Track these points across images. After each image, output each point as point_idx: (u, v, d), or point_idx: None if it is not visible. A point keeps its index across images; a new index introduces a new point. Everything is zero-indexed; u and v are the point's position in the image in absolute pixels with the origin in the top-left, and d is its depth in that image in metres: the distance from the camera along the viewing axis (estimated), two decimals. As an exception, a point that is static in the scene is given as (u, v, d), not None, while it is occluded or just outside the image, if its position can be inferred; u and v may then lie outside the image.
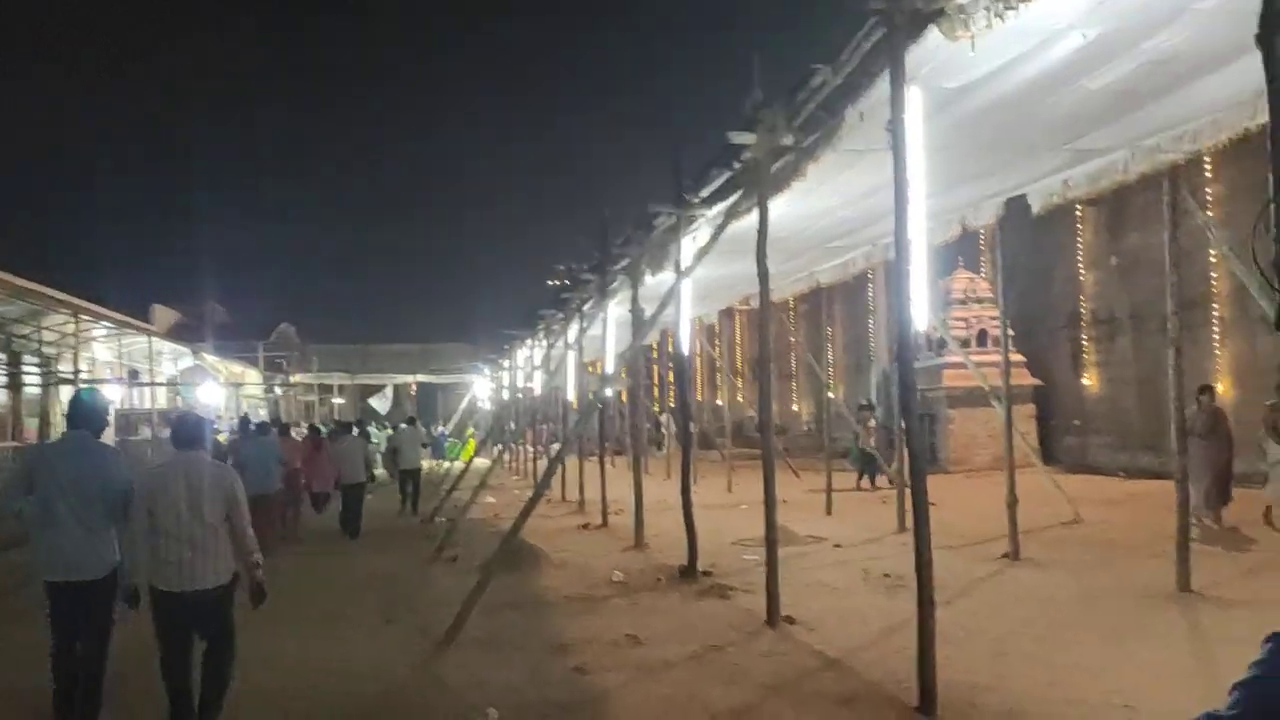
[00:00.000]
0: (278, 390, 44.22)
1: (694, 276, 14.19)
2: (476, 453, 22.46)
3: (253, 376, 39.86)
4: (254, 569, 5.59)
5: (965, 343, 22.75)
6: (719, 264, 13.00)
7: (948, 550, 11.64)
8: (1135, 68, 6.37)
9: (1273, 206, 3.02)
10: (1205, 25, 5.85)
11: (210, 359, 33.95)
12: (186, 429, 5.74)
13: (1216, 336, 17.77)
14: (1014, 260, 23.98)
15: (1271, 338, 16.90)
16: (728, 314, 33.29)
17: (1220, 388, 17.79)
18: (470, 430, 39.73)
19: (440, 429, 42.15)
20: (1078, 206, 20.48)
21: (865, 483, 19.24)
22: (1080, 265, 21.55)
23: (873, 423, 19.83)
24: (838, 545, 12.06)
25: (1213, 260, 17.75)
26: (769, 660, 6.86)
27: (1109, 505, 15.45)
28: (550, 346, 20.42)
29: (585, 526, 15.13)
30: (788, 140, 7.80)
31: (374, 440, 26.11)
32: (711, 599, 9.14)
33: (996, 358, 22.77)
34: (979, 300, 23.15)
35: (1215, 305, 17.78)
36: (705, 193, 9.77)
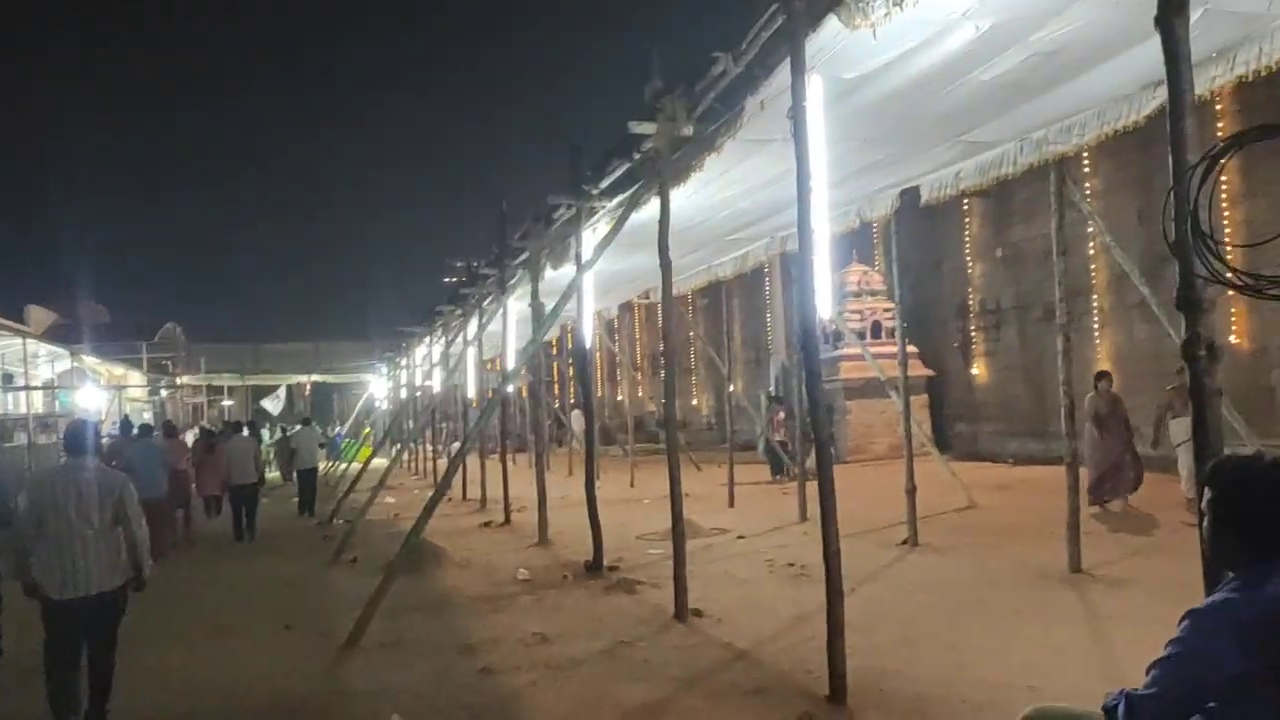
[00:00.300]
0: (163, 392, 42.63)
1: (594, 270, 14.15)
2: (374, 453, 21.94)
3: (136, 378, 38.33)
4: (142, 571, 5.67)
5: (860, 335, 23.17)
6: (619, 257, 12.94)
7: (850, 538, 11.70)
8: (1024, 59, 6.50)
9: (1172, 190, 3.07)
10: (1093, 17, 6.01)
11: (90, 361, 32.52)
12: (76, 436, 5.78)
13: (1097, 325, 18.42)
14: (906, 253, 24.74)
15: (1148, 325, 17.60)
16: (627, 308, 33.32)
17: (1101, 374, 18.49)
18: (366, 430, 38.96)
19: (337, 429, 41.25)
20: (965, 200, 21.03)
21: (780, 476, 19.29)
22: (968, 257, 22.13)
23: (782, 415, 19.75)
24: (741, 537, 12.12)
25: (1092, 252, 18.41)
26: (679, 654, 6.82)
27: (1000, 491, 15.88)
28: (449, 343, 20.10)
29: (488, 525, 14.93)
30: (688, 130, 7.77)
31: (264, 442, 25.43)
32: (618, 594, 9.08)
33: (890, 349, 23.30)
34: (873, 293, 23.60)
35: (1095, 295, 18.43)
36: (605, 184, 9.70)
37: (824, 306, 5.79)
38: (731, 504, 15.64)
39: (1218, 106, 15.33)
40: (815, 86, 5.84)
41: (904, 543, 10.85)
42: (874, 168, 9.18)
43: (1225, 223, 15.79)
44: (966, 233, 22.12)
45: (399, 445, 21.79)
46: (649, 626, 7.70)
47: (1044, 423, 20.01)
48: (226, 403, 47.72)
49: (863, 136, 8.09)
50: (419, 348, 28.15)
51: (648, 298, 20.51)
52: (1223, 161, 2.81)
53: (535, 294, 12.44)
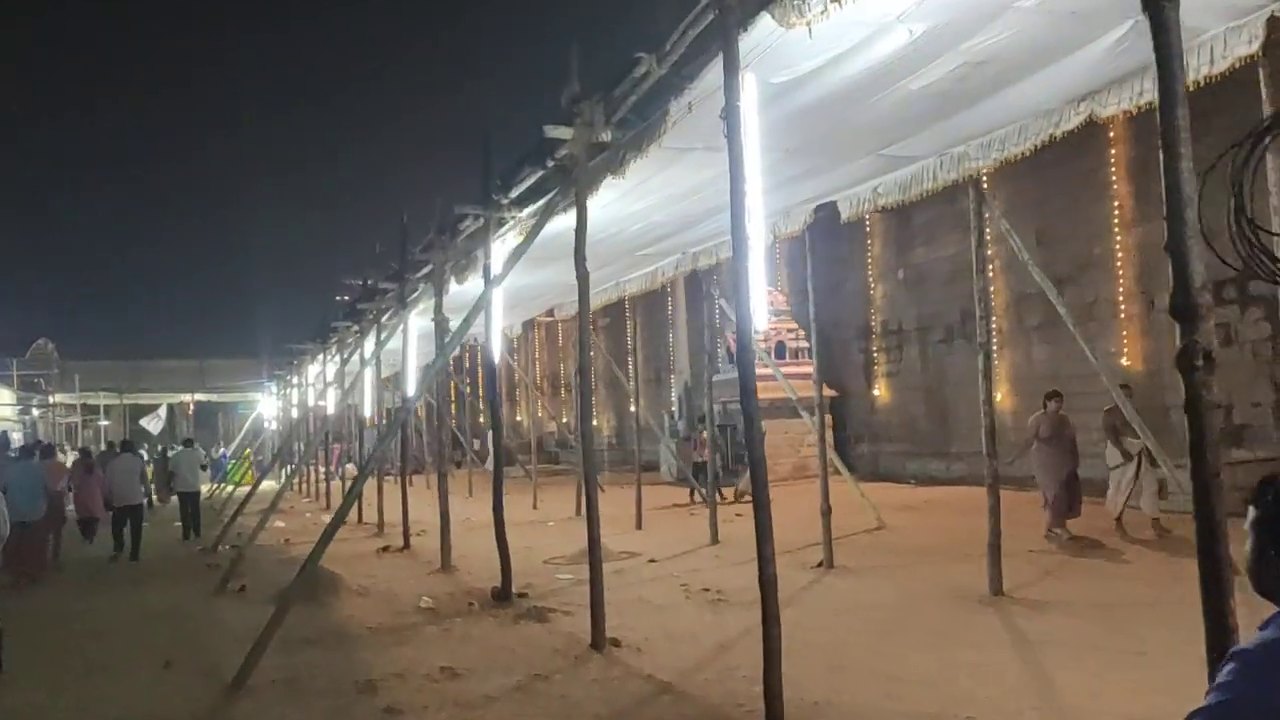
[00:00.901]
0: (35, 412, 40.42)
1: (501, 285, 13.77)
2: (261, 476, 20.95)
3: (5, 396, 36.23)
4: None
5: (764, 354, 23.19)
6: (525, 272, 12.53)
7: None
8: (954, 69, 6.37)
9: (1164, 194, 2.85)
10: (1024, 26, 5.89)
11: (-47, 378, 30.56)
12: None
13: (996, 346, 18.67)
14: (810, 273, 24.87)
15: (1047, 346, 17.96)
16: (529, 326, 32.80)
17: (998, 395, 18.77)
18: (246, 450, 37.49)
19: (222, 450, 39.62)
20: (867, 220, 21.23)
21: (698, 496, 18.91)
22: (870, 278, 22.32)
23: (705, 434, 19.22)
24: (653, 560, 11.78)
25: (991, 274, 18.71)
26: (600, 687, 6.41)
27: (907, 511, 15.88)
28: (345, 361, 19.33)
29: (386, 550, 14.28)
30: (606, 136, 7.44)
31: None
32: (529, 623, 8.62)
33: (795, 369, 23.43)
34: (776, 313, 23.57)
35: (994, 317, 18.70)
36: (516, 193, 9.30)
37: (759, 318, 5.48)
38: (639, 526, 15.31)
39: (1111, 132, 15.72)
40: (749, 86, 5.57)
41: (819, 565, 10.65)
42: (794, 180, 8.99)
43: (1117, 247, 16.19)
44: (869, 254, 22.32)
45: (290, 467, 20.76)
46: (565, 658, 7.28)
47: (945, 443, 20.25)
48: (103, 423, 45.47)
49: (786, 146, 7.87)
50: (311, 366, 27.13)
51: (552, 315, 20.09)
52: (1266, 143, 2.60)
53: (439, 309, 11.94)
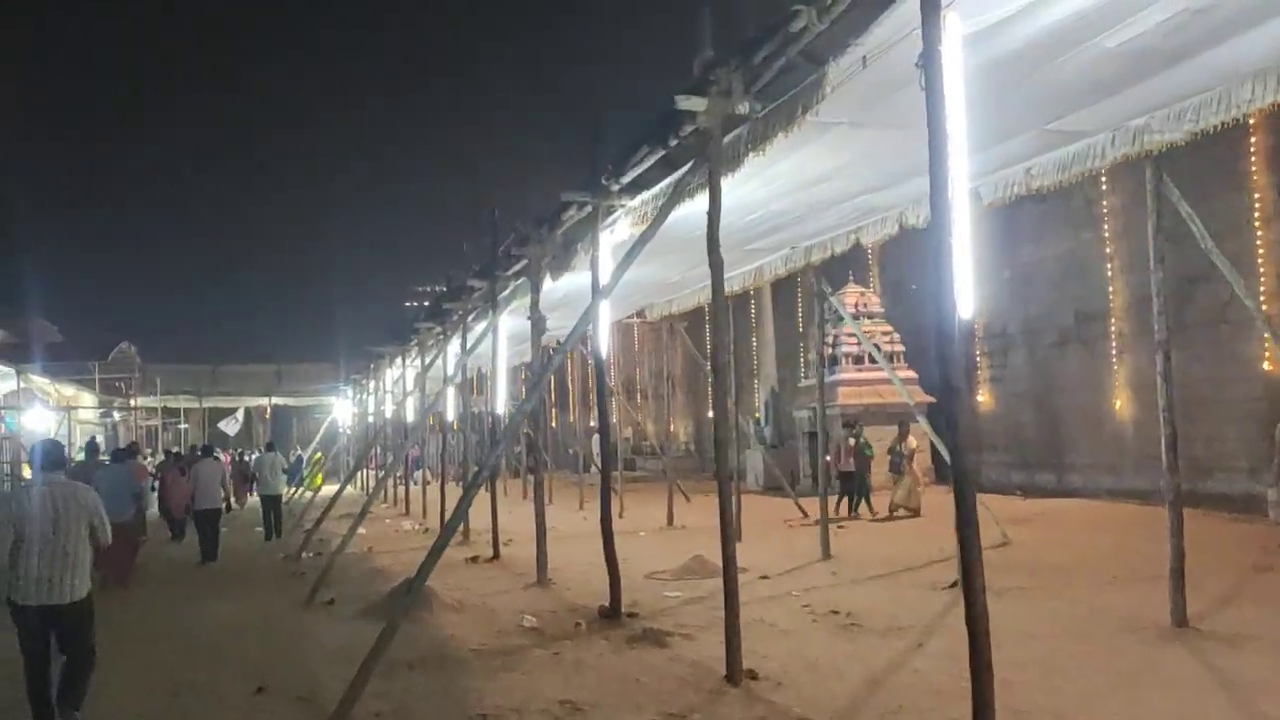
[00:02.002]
0: (116, 415, 40.77)
1: (580, 286, 12.89)
2: (345, 482, 20.56)
3: (87, 399, 36.53)
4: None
5: (858, 360, 22.20)
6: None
7: (886, 579, 10.70)
8: (1170, 17, 5.45)
9: None
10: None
11: (38, 380, 30.75)
12: (49, 453, 6.20)
13: (1115, 351, 17.50)
14: (902, 273, 23.84)
15: (1177, 351, 16.72)
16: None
17: (1118, 404, 17.58)
18: (317, 455, 37.31)
19: (298, 454, 39.54)
20: (968, 218, 20.15)
21: (844, 508, 17.40)
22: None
23: (853, 442, 17.80)
24: (765, 577, 10.94)
25: (1110, 273, 17.54)
26: (750, 731, 5.61)
27: (1022, 525, 14.82)
28: (428, 364, 18.75)
29: (474, 560, 13.62)
30: (743, 107, 6.63)
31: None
32: (646, 647, 7.83)
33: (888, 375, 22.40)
34: (870, 315, 22.58)
35: (1114, 319, 17.52)
36: (631, 176, 8.54)
37: (965, 303, 4.62)
38: (740, 537, 14.42)
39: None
40: (953, 27, 4.72)
41: (953, 585, 9.69)
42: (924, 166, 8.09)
43: (1259, 244, 14.95)
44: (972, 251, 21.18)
45: (378, 473, 20.19)
46: (697, 692, 6.48)
47: (1057, 453, 19.09)
48: (183, 426, 45.82)
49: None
50: (390, 370, 26.75)
51: (641, 316, 19.33)
52: None
53: (535, 306, 11.26)
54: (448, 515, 17.97)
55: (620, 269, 7.34)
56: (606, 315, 9.27)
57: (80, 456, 16.84)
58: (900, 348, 22.27)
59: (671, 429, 36.48)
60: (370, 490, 26.44)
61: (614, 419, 32.42)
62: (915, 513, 16.61)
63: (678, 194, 7.19)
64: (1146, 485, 17.13)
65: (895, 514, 16.77)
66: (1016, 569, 10.66)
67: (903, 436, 16.97)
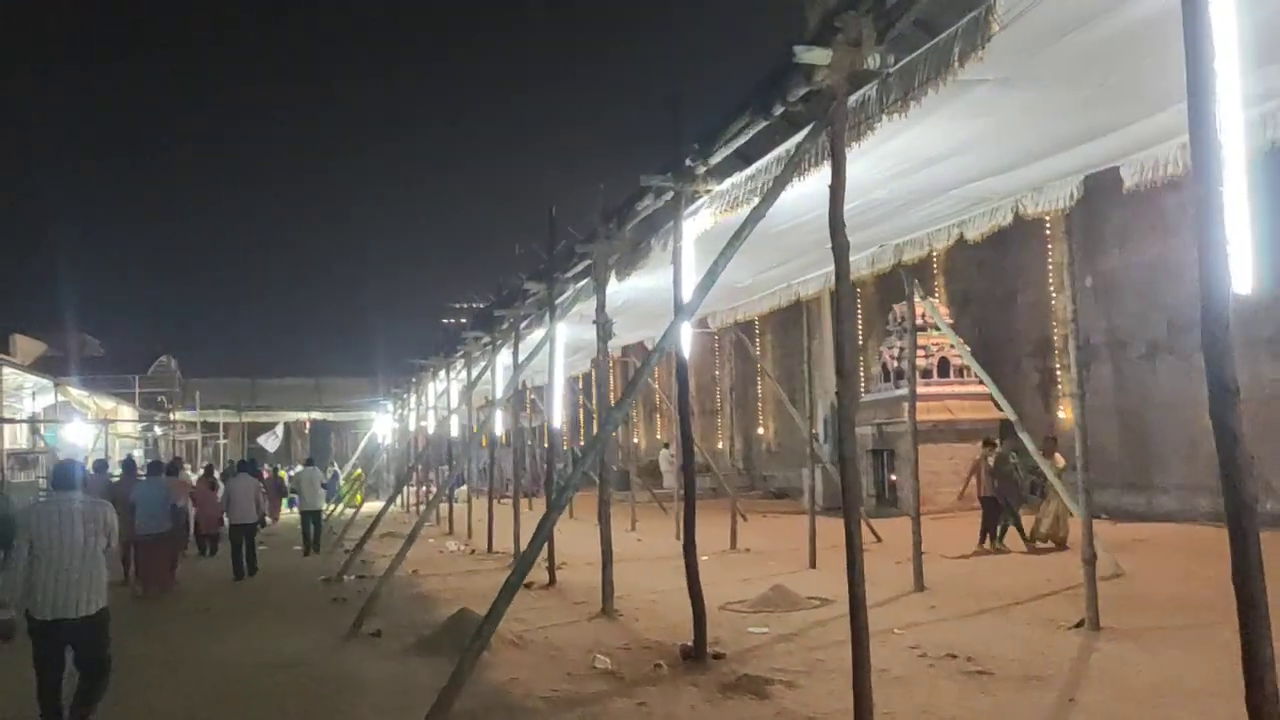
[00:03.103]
0: (157, 430, 40.26)
1: (630, 297, 11.81)
2: (389, 501, 19.63)
3: (127, 413, 35.99)
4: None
5: (926, 373, 20.99)
6: (664, 277, 10.84)
7: (995, 615, 9.53)
8: None
9: None
10: None
11: (76, 394, 30.20)
12: (64, 474, 6.43)
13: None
14: (969, 284, 22.62)
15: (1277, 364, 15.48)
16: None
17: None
18: (357, 473, 36.52)
19: (334, 469, 38.80)
20: (1047, 222, 18.97)
21: (986, 540, 14.43)
22: (1051, 286, 19.93)
23: (993, 461, 14.68)
24: (857, 610, 9.75)
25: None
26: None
27: (1123, 553, 13.55)
28: (477, 377, 17.76)
29: (529, 585, 12.52)
30: (873, 61, 5.58)
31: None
32: (744, 698, 6.74)
33: (960, 389, 21.19)
34: (937, 327, 21.33)
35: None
36: (723, 155, 7.50)
37: (1242, 276, 3.49)
38: (814, 564, 13.31)
39: None
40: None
41: (1079, 624, 8.53)
42: (1081, 135, 7.00)
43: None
44: (1049, 259, 19.95)
45: (425, 489, 19.19)
46: (822, 760, 5.39)
47: (1145, 474, 17.79)
48: (222, 441, 45.30)
49: (1101, 82, 5.93)
50: (433, 383, 25.87)
51: (705, 326, 18.25)
52: None
53: (601, 308, 10.25)
54: (494, 536, 17.12)
55: (722, 258, 6.27)
56: (689, 315, 8.20)
57: (118, 472, 16.54)
58: (967, 362, 21.02)
59: (720, 445, 35.42)
60: (419, 509, 25.64)
61: (635, 438, 31.33)
62: (1061, 544, 13.88)
63: (791, 167, 6.13)
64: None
65: (1037, 545, 14.01)
66: (1142, 605, 9.45)
67: (1048, 452, 14.08)
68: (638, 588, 11.52)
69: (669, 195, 8.37)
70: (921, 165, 7.62)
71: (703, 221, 8.33)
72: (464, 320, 22.41)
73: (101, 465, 19.54)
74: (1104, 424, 18.74)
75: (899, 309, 21.80)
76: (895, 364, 21.41)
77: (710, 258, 8.10)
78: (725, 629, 9.13)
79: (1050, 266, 19.94)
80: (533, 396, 27.58)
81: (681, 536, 17.18)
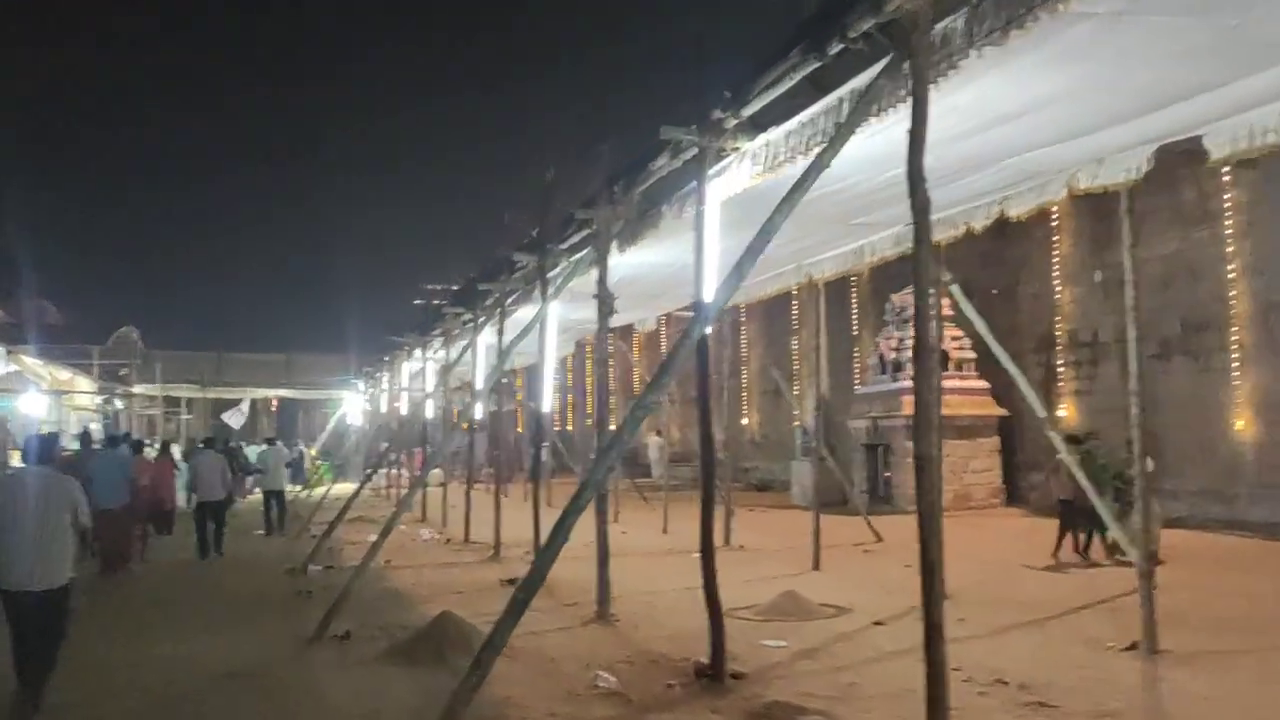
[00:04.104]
0: (118, 403, 38.82)
1: (625, 269, 10.82)
2: (363, 482, 18.63)
3: (84, 384, 34.59)
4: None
5: (925, 365, 20.16)
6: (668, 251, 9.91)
7: (1031, 631, 8.64)
8: None
9: None
10: None
11: (30, 362, 28.82)
12: (37, 446, 6.69)
13: (1236, 363, 15.46)
14: (968, 275, 21.76)
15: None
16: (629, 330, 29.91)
17: (1240, 423, 15.55)
18: (314, 451, 35.42)
19: (299, 448, 37.53)
20: (1054, 213, 18.14)
21: (1066, 546, 12.53)
22: (1056, 281, 19.13)
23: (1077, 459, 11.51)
24: (879, 623, 8.88)
25: (1232, 276, 15.50)
26: None
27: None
28: (459, 355, 16.73)
29: (513, 582, 11.51)
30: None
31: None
32: (775, 729, 5.82)
33: (960, 384, 20.37)
34: (940, 318, 20.50)
35: (1234, 328, 15.47)
36: (760, 105, 6.53)
37: None
38: (817, 565, 12.42)
39: None
40: None
41: (1131, 647, 7.67)
42: (1169, 94, 6.10)
43: None
44: (1055, 253, 19.14)
45: (377, 470, 18.08)
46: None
47: (1156, 477, 17.01)
48: (185, 416, 43.83)
49: (1229, 23, 5.02)
50: (406, 362, 24.79)
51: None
52: None
53: (603, 281, 9.28)
54: (471, 525, 16.10)
55: (784, 213, 5.31)
56: (713, 273, 7.22)
57: (74, 446, 15.91)
58: (970, 355, 20.25)
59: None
60: (389, 492, 24.55)
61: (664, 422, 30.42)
62: (1153, 558, 10.80)
63: (863, 108, 5.16)
64: (1267, 515, 15.15)
65: (1117, 558, 11.67)
66: (1189, 624, 8.57)
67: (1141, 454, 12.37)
68: (631, 588, 10.60)
69: (691, 153, 7.40)
70: (986, 125, 6.70)
71: (731, 184, 7.37)
72: (438, 302, 21.37)
73: (52, 438, 18.63)
74: (1111, 424, 17.96)
75: (897, 299, 20.98)
76: (894, 355, 20.57)
77: (731, 229, 7.18)
78: (737, 641, 8.14)
79: (1056, 259, 19.13)
80: (504, 379, 26.59)
81: (661, 530, 16.53)
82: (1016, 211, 8.75)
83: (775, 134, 6.71)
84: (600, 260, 9.26)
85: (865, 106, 5.12)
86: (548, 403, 13.19)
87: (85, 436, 17.84)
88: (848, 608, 9.53)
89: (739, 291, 14.12)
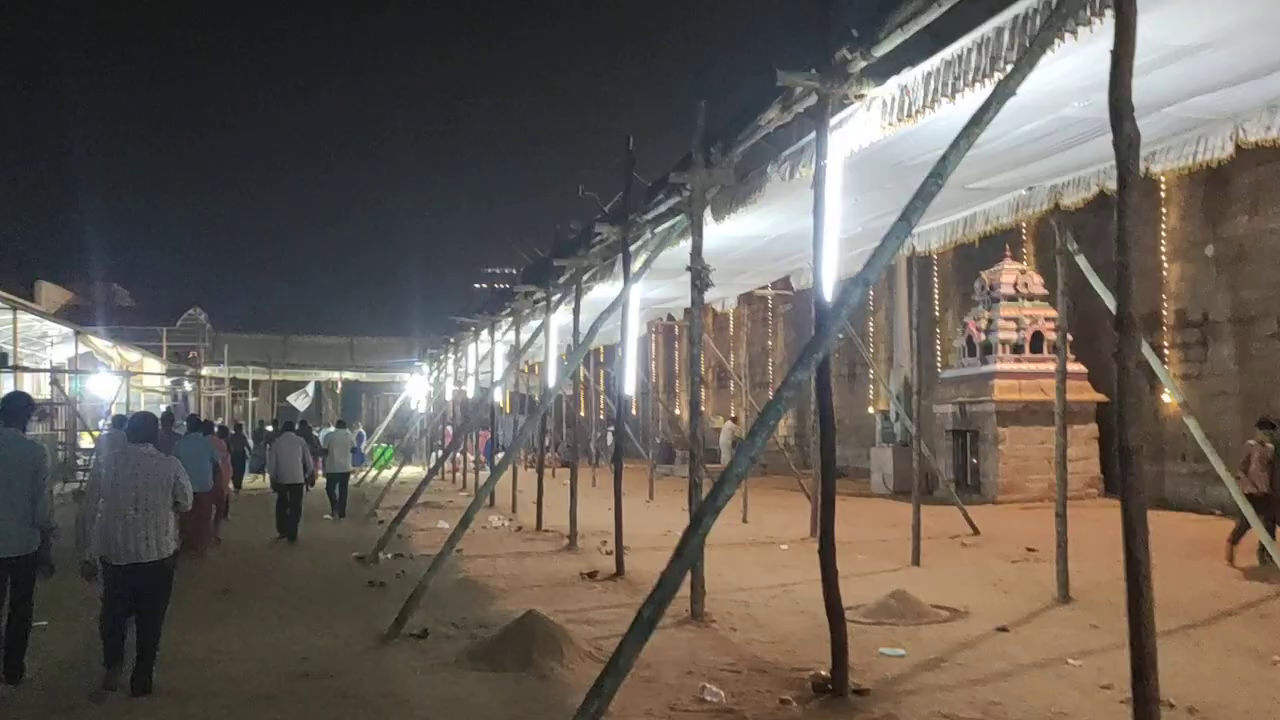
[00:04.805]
0: (187, 385, 38.97)
1: (723, 239, 9.95)
2: (434, 469, 18.17)
3: (153, 366, 34.68)
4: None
5: (1017, 348, 19.11)
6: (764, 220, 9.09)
7: (1178, 640, 7.66)
8: None
9: None
10: None
11: (99, 344, 28.82)
12: (139, 426, 6.79)
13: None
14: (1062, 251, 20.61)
15: None
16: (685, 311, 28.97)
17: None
18: (381, 447, 34.93)
19: (360, 432, 37.26)
20: (1163, 181, 16.96)
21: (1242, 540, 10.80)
22: (1163, 256, 17.92)
23: (1271, 448, 10.65)
24: (1003, 629, 8.02)
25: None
26: None
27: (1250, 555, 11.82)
28: (528, 340, 16.07)
29: (593, 575, 10.93)
30: None
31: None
32: (921, 761, 5.04)
33: (1054, 366, 19.24)
34: (1031, 298, 19.45)
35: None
36: (896, 41, 5.69)
37: None
38: (917, 560, 11.56)
39: None
40: None
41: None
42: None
43: None
44: (1162, 225, 17.92)
45: (500, 463, 17.49)
46: None
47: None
48: (251, 399, 43.99)
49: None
50: (473, 344, 24.25)
51: (767, 288, 16.45)
52: None
53: (697, 253, 8.51)
54: (543, 511, 15.47)
55: (945, 164, 4.49)
56: (834, 252, 6.43)
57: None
58: (1068, 337, 19.10)
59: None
60: (454, 475, 24.04)
61: (678, 409, 29.66)
62: None
63: (1055, 23, 4.29)
64: None
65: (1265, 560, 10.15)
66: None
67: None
68: (720, 584, 9.86)
69: (807, 102, 6.59)
70: (1159, 62, 5.78)
71: (853, 137, 6.56)
72: (499, 285, 20.86)
73: (122, 420, 18.42)
74: (1224, 408, 16.83)
75: (987, 276, 19.92)
76: (983, 337, 19.52)
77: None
78: (849, 647, 7.41)
79: (1164, 232, 17.92)
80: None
81: (741, 519, 15.74)
82: (1163, 167, 7.82)
83: (913, 76, 5.88)
84: (695, 229, 8.49)
85: (1058, 20, 4.25)
86: (630, 385, 12.45)
87: (168, 418, 17.72)
88: (962, 610, 8.69)
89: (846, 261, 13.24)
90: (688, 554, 4.20)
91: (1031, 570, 10.94)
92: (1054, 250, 9.68)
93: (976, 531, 14.06)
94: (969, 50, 5.36)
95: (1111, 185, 8.42)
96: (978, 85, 5.28)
